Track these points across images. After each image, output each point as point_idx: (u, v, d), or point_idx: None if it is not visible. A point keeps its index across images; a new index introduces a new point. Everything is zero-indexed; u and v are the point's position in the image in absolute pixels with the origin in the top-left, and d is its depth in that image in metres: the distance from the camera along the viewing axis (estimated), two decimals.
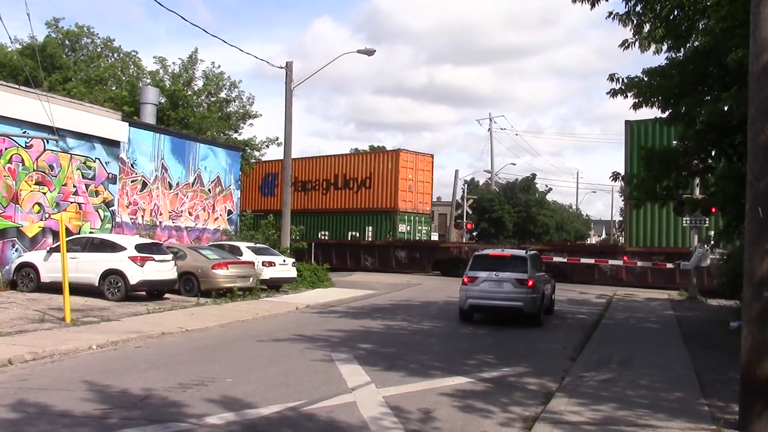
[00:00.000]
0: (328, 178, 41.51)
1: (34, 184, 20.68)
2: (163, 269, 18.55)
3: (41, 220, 20.89)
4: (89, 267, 17.85)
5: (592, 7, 13.03)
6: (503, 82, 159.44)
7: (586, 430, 6.95)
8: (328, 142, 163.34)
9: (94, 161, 22.88)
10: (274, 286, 23.22)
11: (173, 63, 35.59)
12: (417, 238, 39.40)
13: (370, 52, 27.02)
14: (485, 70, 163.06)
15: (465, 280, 16.29)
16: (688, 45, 13.30)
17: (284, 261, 23.95)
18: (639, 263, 29.81)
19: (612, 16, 13.28)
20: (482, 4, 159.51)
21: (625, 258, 30.12)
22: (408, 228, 39.18)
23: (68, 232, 18.37)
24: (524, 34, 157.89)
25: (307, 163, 42.86)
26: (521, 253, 17.20)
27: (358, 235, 39.30)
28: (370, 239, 38.63)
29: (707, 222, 24.86)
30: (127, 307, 16.50)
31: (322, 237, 40.37)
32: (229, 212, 29.98)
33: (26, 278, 18.82)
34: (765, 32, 5.23)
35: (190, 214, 27.76)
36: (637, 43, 13.17)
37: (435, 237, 63.50)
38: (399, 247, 36.59)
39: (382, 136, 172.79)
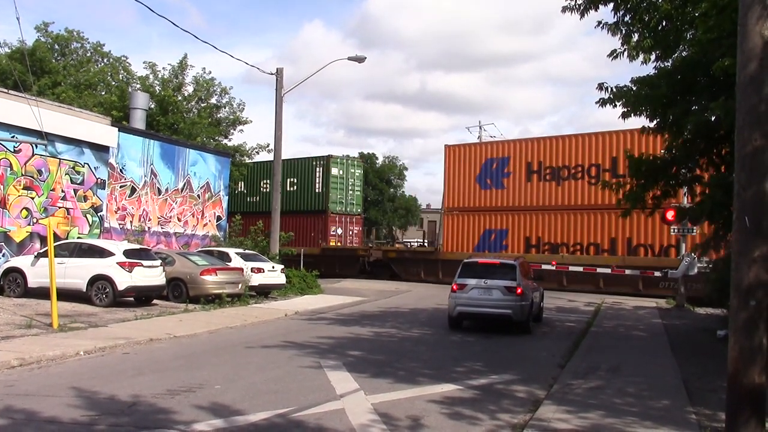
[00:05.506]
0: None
1: (22, 188, 20.57)
2: (151, 275, 18.46)
3: (29, 225, 20.78)
4: (77, 272, 17.74)
5: (581, 17, 13.13)
6: (496, 89, 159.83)
7: None
8: (319, 148, 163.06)
9: (83, 166, 22.80)
10: (263, 292, 23.17)
11: (163, 68, 35.67)
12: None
13: (360, 60, 26.94)
14: (477, 77, 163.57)
15: (454, 287, 16.23)
16: (676, 55, 13.41)
17: (273, 267, 23.90)
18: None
19: (601, 25, 13.37)
20: (475, 11, 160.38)
21: (613, 267, 30.34)
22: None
23: (56, 237, 18.26)
24: (517, 40, 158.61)
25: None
26: (510, 260, 17.21)
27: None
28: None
29: (695, 231, 25.01)
30: (115, 313, 16.41)
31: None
32: (218, 218, 29.93)
33: (13, 283, 18.69)
34: (751, 42, 5.30)
35: (179, 219, 27.69)
36: (625, 53, 13.27)
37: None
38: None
39: (373, 142, 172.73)
